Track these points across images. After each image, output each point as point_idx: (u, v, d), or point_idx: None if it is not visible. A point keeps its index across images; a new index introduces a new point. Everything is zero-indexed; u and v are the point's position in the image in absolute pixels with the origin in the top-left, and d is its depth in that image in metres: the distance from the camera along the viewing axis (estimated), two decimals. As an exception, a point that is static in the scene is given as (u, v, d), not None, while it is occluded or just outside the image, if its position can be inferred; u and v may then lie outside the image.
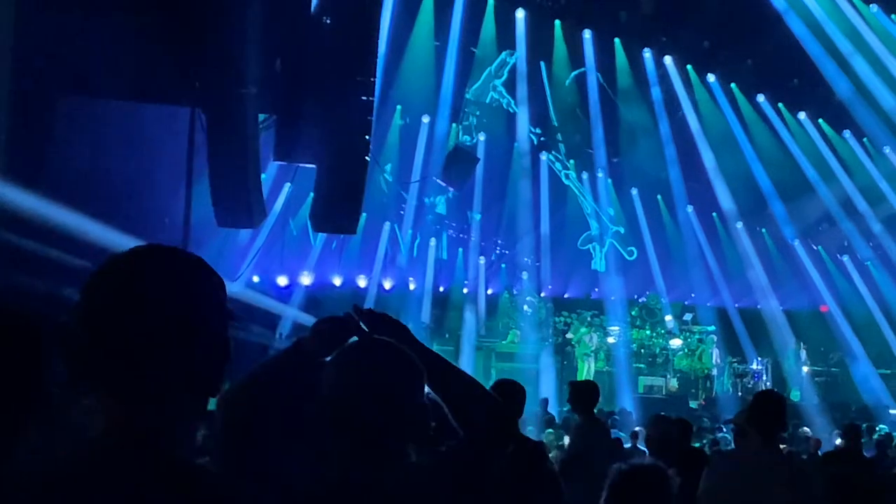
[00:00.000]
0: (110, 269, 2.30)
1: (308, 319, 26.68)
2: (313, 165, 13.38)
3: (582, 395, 10.78)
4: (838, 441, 17.39)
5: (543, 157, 35.14)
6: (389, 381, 3.16)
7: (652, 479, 4.83)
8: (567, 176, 36.04)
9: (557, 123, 35.03)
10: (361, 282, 31.85)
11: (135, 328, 2.22)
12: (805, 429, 20.96)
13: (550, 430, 17.76)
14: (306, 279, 30.01)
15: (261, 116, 12.90)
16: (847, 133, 34.76)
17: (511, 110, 34.25)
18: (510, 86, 33.89)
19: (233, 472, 3.19)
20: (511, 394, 7.33)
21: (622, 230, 36.76)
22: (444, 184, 30.14)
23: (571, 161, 35.87)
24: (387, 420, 3.11)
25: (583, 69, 33.80)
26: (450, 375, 3.42)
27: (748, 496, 6.83)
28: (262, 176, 14.55)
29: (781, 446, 17.88)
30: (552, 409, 23.16)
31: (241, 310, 24.09)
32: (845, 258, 37.35)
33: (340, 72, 12.44)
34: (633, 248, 36.64)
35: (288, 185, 27.50)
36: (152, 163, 15.40)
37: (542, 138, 35.07)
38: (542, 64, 33.65)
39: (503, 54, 33.29)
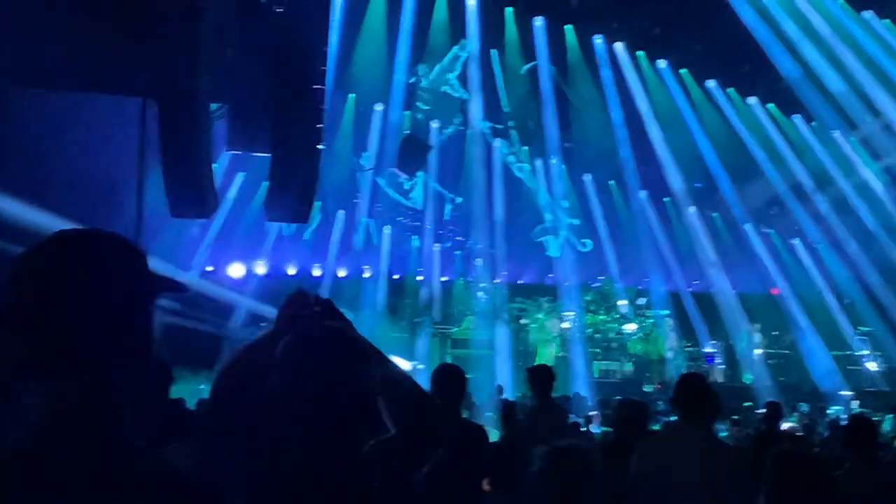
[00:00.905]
0: (34, 253, 2.33)
1: (263, 309, 26.70)
2: (266, 154, 13.37)
3: (538, 378, 10.86)
4: (788, 425, 17.60)
5: (497, 143, 35.16)
6: (338, 367, 3.17)
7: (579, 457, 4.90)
8: (520, 168, 36.07)
9: (510, 110, 35.05)
10: (316, 270, 31.82)
11: (59, 308, 2.25)
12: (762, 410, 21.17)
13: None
14: (260, 268, 29.95)
15: (213, 106, 12.87)
16: (796, 117, 35.03)
17: (464, 106, 34.26)
18: (463, 79, 33.88)
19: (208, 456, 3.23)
20: (451, 379, 7.41)
21: (576, 222, 36.83)
22: (398, 171, 30.17)
23: (525, 148, 35.91)
24: (337, 407, 3.12)
25: (535, 63, 33.82)
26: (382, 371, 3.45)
27: (669, 475, 6.94)
28: (215, 165, 14.51)
29: (734, 427, 18.08)
30: (507, 394, 23.21)
31: (195, 300, 24.09)
32: (796, 241, 37.66)
33: (292, 60, 12.44)
34: (588, 241, 36.74)
35: (241, 174, 27.45)
36: (103, 153, 15.30)
37: (496, 126, 35.11)
38: (494, 52, 33.64)
39: (455, 48, 33.27)
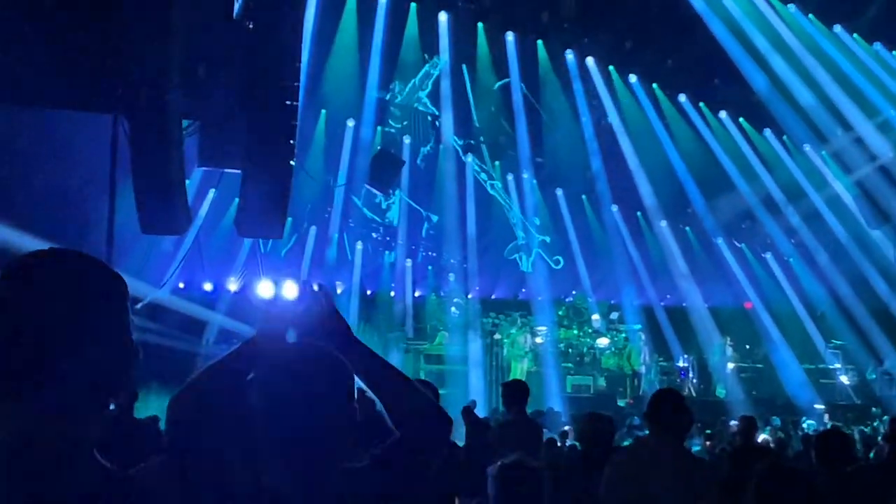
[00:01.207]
0: (4, 274, 2.29)
1: (234, 325, 26.64)
2: (238, 171, 13.32)
3: (511, 394, 10.87)
4: (762, 436, 17.63)
5: (469, 158, 35.18)
6: (318, 384, 3.13)
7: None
8: (493, 186, 36.11)
9: (481, 125, 35.09)
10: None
11: (30, 330, 2.22)
12: (734, 422, 21.21)
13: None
14: (232, 285, 29.84)
15: (185, 122, 12.82)
16: (767, 131, 35.20)
17: (437, 123, 34.31)
18: (434, 96, 33.92)
19: (174, 475, 3.18)
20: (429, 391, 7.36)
21: (548, 239, 36.89)
22: (370, 187, 30.17)
23: (497, 163, 35.97)
24: (316, 424, 3.09)
25: (507, 80, 33.89)
26: (386, 376, 3.42)
27: (640, 489, 6.95)
28: (187, 182, 14.45)
29: (707, 442, 18.09)
30: (481, 410, 23.15)
31: (167, 316, 24.00)
32: (768, 255, 37.82)
33: (264, 77, 12.41)
34: (560, 258, 36.80)
35: (213, 190, 27.35)
36: (75, 170, 15.25)
37: (469, 141, 35.16)
38: (465, 67, 33.68)
39: (426, 66, 33.31)
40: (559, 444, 15.37)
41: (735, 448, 12.19)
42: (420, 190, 34.60)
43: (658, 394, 7.83)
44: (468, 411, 12.46)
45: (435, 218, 34.78)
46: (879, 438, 17.69)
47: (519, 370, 31.63)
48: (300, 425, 3.06)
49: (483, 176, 35.79)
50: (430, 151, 34.82)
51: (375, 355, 3.45)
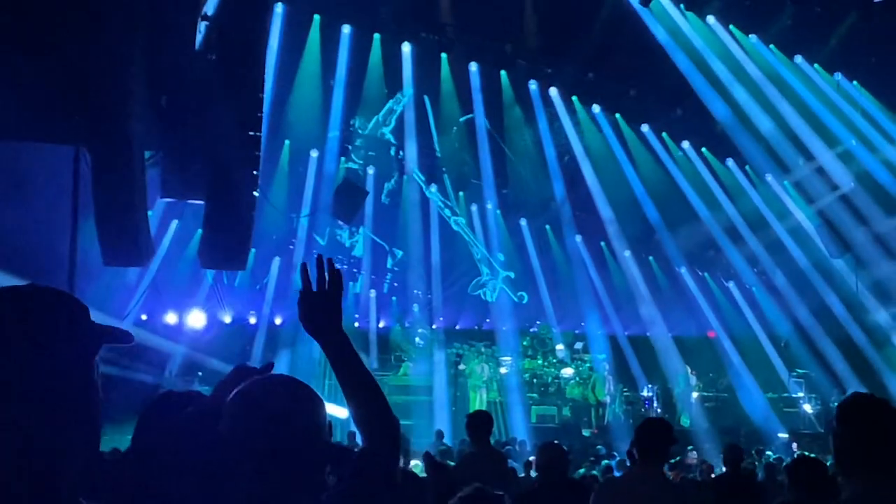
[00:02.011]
0: None
1: (198, 357, 26.51)
2: (201, 202, 13.25)
3: (476, 425, 10.86)
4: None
5: (433, 189, 35.21)
6: (290, 417, 3.11)
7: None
8: (457, 223, 36.13)
9: (444, 156, 35.13)
10: (252, 318, 31.67)
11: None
12: (693, 454, 21.28)
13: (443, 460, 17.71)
14: (196, 316, 29.69)
15: (147, 153, 12.75)
16: (730, 161, 35.38)
17: (400, 155, 34.35)
18: (398, 127, 33.94)
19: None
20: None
21: (512, 275, 36.94)
22: (333, 217, 30.12)
23: (461, 193, 36.00)
24: (288, 457, 3.06)
25: (472, 115, 33.96)
26: (361, 385, 3.51)
27: None
28: (149, 213, 14.38)
29: (671, 472, 18.10)
30: (448, 441, 23.10)
31: (128, 349, 23.83)
32: (731, 284, 37.99)
33: (227, 107, 12.36)
34: (524, 293, 36.86)
35: (176, 221, 27.27)
36: (36, 202, 15.14)
37: (433, 172, 35.20)
38: (427, 98, 33.74)
39: (390, 102, 33.35)
40: (523, 474, 15.31)
41: (722, 476, 12.23)
42: (385, 224, 34.60)
43: (647, 423, 7.84)
44: (427, 456, 12.43)
45: (399, 253, 34.77)
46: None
47: (478, 400, 31.57)
48: (272, 456, 3.03)
49: (447, 212, 35.80)
50: (395, 187, 34.85)
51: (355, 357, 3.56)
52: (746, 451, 23.35)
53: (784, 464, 18.38)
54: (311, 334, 3.54)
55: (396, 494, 3.42)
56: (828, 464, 8.14)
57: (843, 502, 3.97)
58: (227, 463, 3.06)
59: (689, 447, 23.65)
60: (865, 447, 3.93)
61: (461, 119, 34.33)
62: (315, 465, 3.12)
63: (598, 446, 24.22)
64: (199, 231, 14.74)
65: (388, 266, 35.34)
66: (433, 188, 35.27)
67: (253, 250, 20.96)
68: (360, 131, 33.74)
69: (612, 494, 7.43)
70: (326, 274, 3.59)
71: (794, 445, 26.18)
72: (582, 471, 17.41)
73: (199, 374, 26.81)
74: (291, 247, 32.78)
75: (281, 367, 29.72)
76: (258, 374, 3.41)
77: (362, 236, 34.19)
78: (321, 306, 3.53)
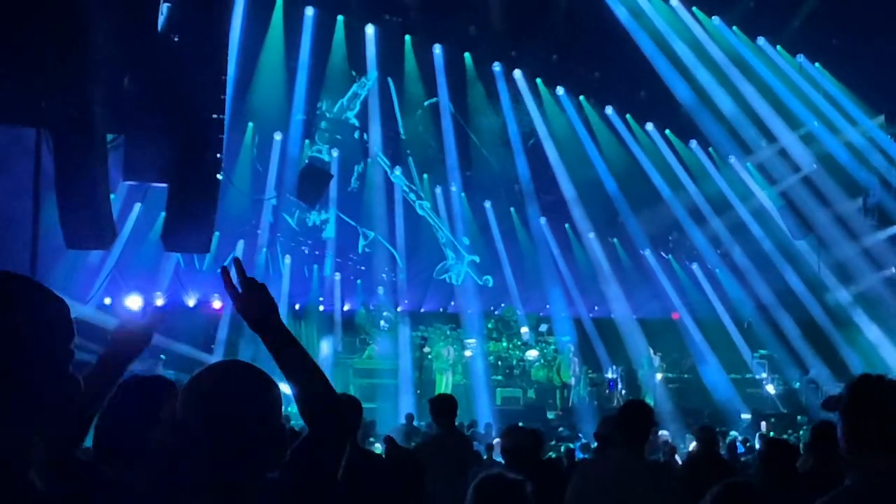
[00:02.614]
0: None
1: (162, 341, 26.36)
2: (164, 184, 13.17)
3: (439, 408, 10.86)
4: (692, 445, 17.70)
5: (397, 172, 35.14)
6: (246, 404, 3.09)
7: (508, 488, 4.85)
8: (422, 206, 36.08)
9: (409, 138, 35.06)
10: (216, 302, 31.53)
11: None
12: (663, 432, 21.35)
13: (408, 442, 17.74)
14: (159, 300, 29.54)
15: (109, 136, 12.66)
16: (693, 143, 35.51)
17: (364, 137, 34.26)
18: (362, 110, 33.84)
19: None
20: (351, 408, 7.33)
21: (478, 259, 36.93)
22: (297, 200, 30.03)
23: (425, 175, 35.94)
24: (243, 444, 3.03)
25: (436, 99, 33.92)
26: (303, 370, 3.48)
27: (616, 500, 6.95)
28: (112, 196, 14.27)
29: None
30: (417, 422, 23.09)
31: (92, 333, 23.71)
32: (694, 266, 38.15)
33: (190, 90, 12.29)
34: (489, 277, 36.90)
35: (139, 204, 27.10)
36: (-2, 185, 15.01)
37: (397, 154, 35.11)
38: (391, 80, 33.65)
39: (354, 86, 33.23)
40: (485, 456, 15.34)
41: (693, 457, 12.24)
42: (351, 208, 34.52)
43: (630, 405, 7.85)
44: (389, 440, 12.41)
45: (371, 234, 34.69)
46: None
47: (443, 383, 31.57)
48: (225, 442, 3.00)
49: (412, 196, 35.74)
50: (361, 171, 34.77)
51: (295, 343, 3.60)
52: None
53: (749, 444, 18.55)
54: (253, 329, 3.53)
55: (351, 480, 3.41)
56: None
57: (856, 484, 3.95)
58: (182, 450, 3.05)
59: (654, 427, 23.74)
60: (881, 428, 3.91)
61: (425, 103, 34.27)
62: (270, 450, 3.10)
63: (561, 428, 24.29)
64: (163, 214, 14.62)
65: (360, 248, 35.22)
66: (398, 171, 35.19)
67: (217, 233, 20.93)
68: (326, 114, 33.60)
69: (594, 476, 7.42)
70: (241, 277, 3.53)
71: (763, 425, 26.25)
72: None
73: (163, 357, 26.70)
74: (259, 231, 32.65)
75: (246, 348, 29.68)
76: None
77: (333, 217, 34.03)
78: (254, 303, 3.51)
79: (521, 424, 11.53)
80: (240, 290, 3.46)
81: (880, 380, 4.06)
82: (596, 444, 9.70)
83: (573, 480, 7.38)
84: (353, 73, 33.00)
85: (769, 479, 7.61)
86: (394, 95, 34.09)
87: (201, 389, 3.12)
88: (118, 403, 3.75)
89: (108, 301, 28.30)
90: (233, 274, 3.49)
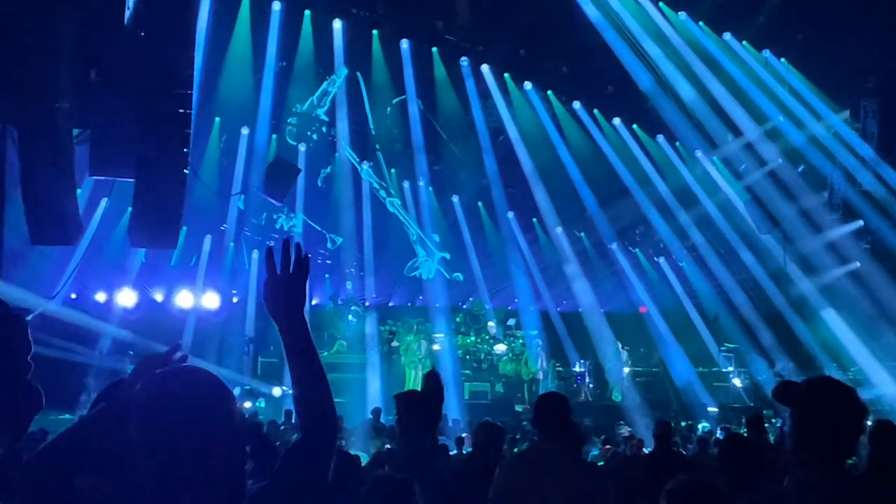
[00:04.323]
0: None
1: (128, 336, 26.31)
2: (131, 180, 13.13)
3: (405, 403, 10.85)
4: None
5: (365, 167, 35.10)
6: (200, 409, 3.06)
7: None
8: (392, 203, 36.07)
9: (377, 133, 35.01)
10: (184, 298, 31.48)
11: None
12: (626, 428, 21.45)
13: (374, 438, 17.81)
14: (126, 295, 29.45)
15: (75, 131, 12.61)
16: (660, 137, 35.59)
17: (332, 133, 34.19)
18: (331, 111, 33.76)
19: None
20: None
21: (448, 256, 36.95)
22: (265, 195, 29.92)
23: (392, 170, 35.90)
24: (200, 448, 3.01)
25: (404, 97, 33.89)
26: (312, 373, 3.51)
27: (526, 493, 6.95)
28: (78, 191, 14.22)
29: (607, 446, 18.23)
30: (384, 418, 23.12)
31: (59, 328, 23.62)
32: (661, 260, 38.29)
33: (157, 85, 12.25)
34: (459, 274, 36.93)
35: (105, 199, 27.00)
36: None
37: (365, 149, 35.05)
38: (359, 75, 33.59)
39: (324, 84, 33.15)
40: (454, 451, 15.40)
41: (651, 455, 12.26)
42: (319, 204, 34.48)
43: (539, 399, 7.82)
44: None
45: (340, 240, 34.70)
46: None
47: (414, 377, 31.62)
48: (186, 454, 2.99)
49: (382, 193, 35.73)
50: (329, 169, 34.72)
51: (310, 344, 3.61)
52: (676, 426, 23.69)
53: (714, 437, 18.66)
54: (273, 317, 3.52)
55: (331, 483, 3.41)
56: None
57: (793, 485, 3.97)
58: (134, 460, 3.02)
59: (621, 422, 23.84)
60: (830, 435, 3.93)
61: (394, 101, 34.23)
62: (225, 460, 3.06)
63: (525, 422, 24.34)
64: (130, 209, 14.57)
65: (328, 244, 35.19)
66: (365, 165, 35.15)
67: (184, 228, 20.88)
68: (292, 109, 33.51)
69: (514, 468, 7.40)
70: (293, 258, 3.55)
71: (744, 420, 26.34)
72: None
73: (130, 353, 26.63)
74: (226, 226, 32.55)
75: (210, 347, 29.64)
76: (163, 362, 3.40)
77: (300, 223, 34.03)
78: (286, 290, 3.52)
79: (488, 419, 11.53)
80: (280, 271, 3.45)
81: (836, 385, 4.09)
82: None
83: (495, 476, 7.33)
84: (321, 72, 32.91)
85: (729, 472, 7.64)
86: (363, 90, 34.02)
87: (151, 398, 3.08)
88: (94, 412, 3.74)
89: (74, 296, 28.22)
90: (277, 258, 3.50)
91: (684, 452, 16.07)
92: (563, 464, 7.13)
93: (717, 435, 19.79)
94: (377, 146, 35.47)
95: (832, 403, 3.99)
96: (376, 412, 23.01)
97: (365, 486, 4.83)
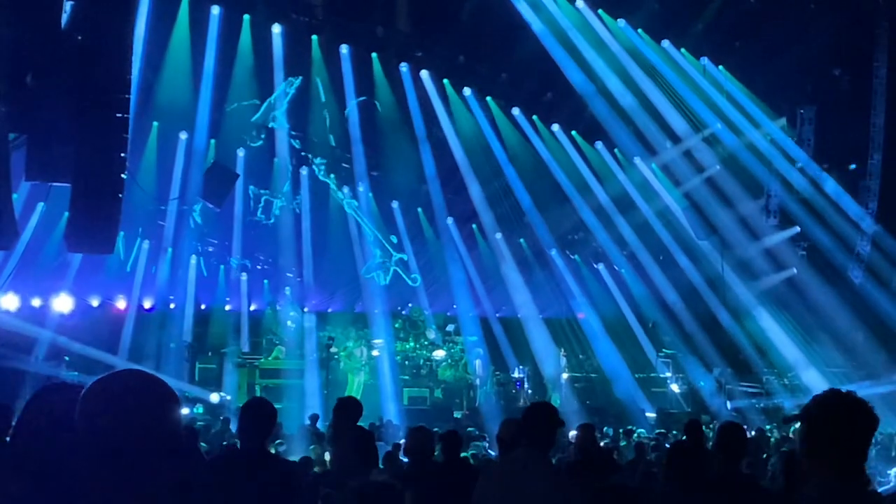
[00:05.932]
0: None
1: (65, 342, 26.04)
2: (68, 184, 13.01)
3: (344, 411, 10.84)
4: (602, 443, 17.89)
5: (304, 171, 34.98)
6: (142, 408, 3.07)
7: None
8: (349, 205, 35.98)
9: (317, 139, 34.90)
10: (121, 302, 31.25)
11: None
12: (573, 433, 21.46)
13: (314, 445, 17.72)
14: (62, 300, 29.15)
15: (11, 135, 12.49)
16: (599, 144, 35.78)
17: (272, 139, 34.07)
18: (288, 115, 33.65)
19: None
20: (256, 416, 7.34)
21: (405, 257, 36.89)
22: (203, 200, 29.74)
23: (332, 176, 35.78)
24: (141, 447, 3.01)
25: (363, 98, 33.82)
26: None
27: (518, 499, 6.98)
28: (14, 196, 14.08)
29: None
30: (321, 424, 23.02)
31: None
32: (600, 266, 38.45)
33: (94, 89, 12.16)
34: (417, 276, 36.89)
35: (41, 204, 26.75)
36: None
37: (301, 153, 34.93)
38: (300, 79, 33.45)
39: (283, 84, 32.99)
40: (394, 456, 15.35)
41: (574, 461, 12.23)
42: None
43: (534, 408, 7.85)
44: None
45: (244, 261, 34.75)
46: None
47: (355, 384, 31.58)
48: (116, 454, 2.99)
49: (339, 195, 35.65)
50: (265, 162, 34.53)
51: None
52: (615, 432, 23.81)
53: (652, 443, 18.74)
54: None
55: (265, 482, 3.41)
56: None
57: (814, 497, 3.99)
58: (75, 461, 3.03)
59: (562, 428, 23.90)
60: (848, 447, 3.97)
61: (347, 110, 34.10)
62: (167, 459, 3.08)
63: (470, 428, 24.33)
64: (66, 214, 14.45)
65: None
66: (304, 171, 35.03)
67: (121, 233, 20.75)
68: (230, 114, 33.28)
69: (499, 478, 7.43)
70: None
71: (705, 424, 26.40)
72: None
73: (67, 358, 26.38)
74: (163, 230, 32.31)
75: (149, 350, 29.43)
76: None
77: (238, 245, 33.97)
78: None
79: (422, 426, 11.53)
80: None
81: (847, 397, 4.12)
82: (498, 448, 9.68)
83: (479, 482, 7.41)
84: (262, 76, 32.73)
85: (673, 483, 7.66)
86: (308, 96, 33.89)
87: (96, 400, 3.09)
88: (31, 414, 3.70)
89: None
90: None
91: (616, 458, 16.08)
92: (546, 471, 7.20)
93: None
94: (315, 152, 35.29)
95: (839, 415, 4.03)
96: (314, 418, 22.89)
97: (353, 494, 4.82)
